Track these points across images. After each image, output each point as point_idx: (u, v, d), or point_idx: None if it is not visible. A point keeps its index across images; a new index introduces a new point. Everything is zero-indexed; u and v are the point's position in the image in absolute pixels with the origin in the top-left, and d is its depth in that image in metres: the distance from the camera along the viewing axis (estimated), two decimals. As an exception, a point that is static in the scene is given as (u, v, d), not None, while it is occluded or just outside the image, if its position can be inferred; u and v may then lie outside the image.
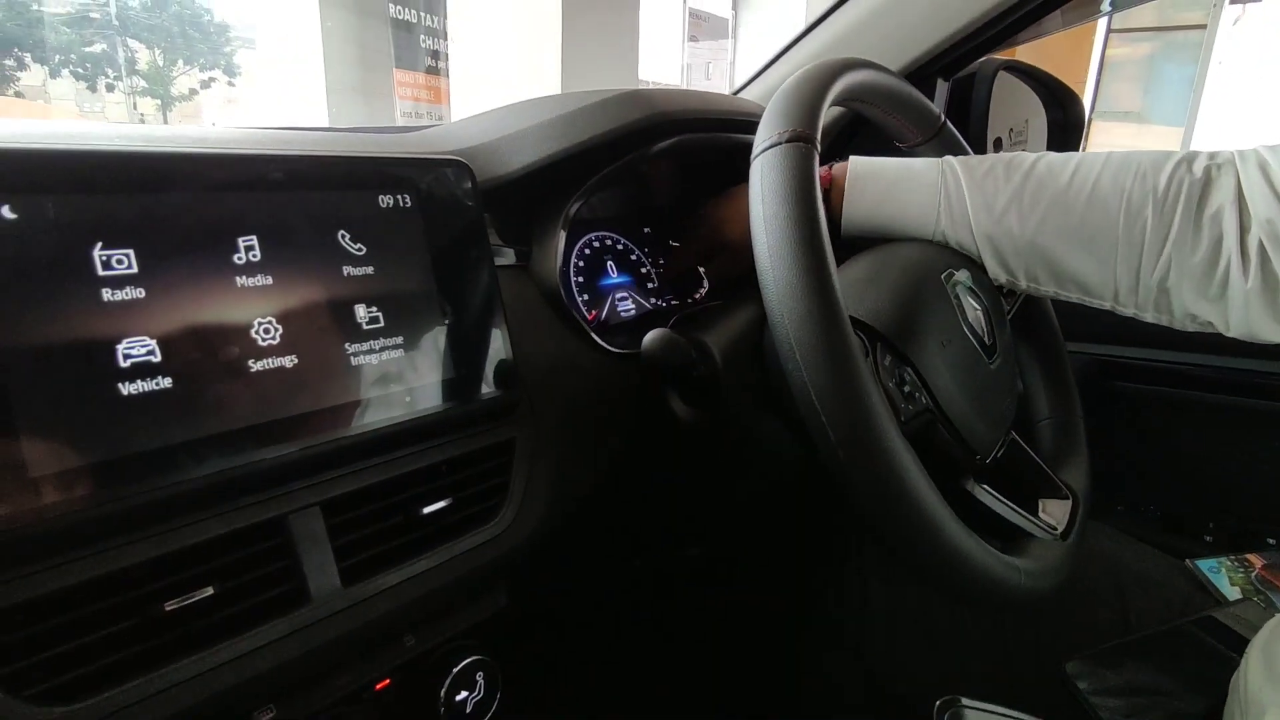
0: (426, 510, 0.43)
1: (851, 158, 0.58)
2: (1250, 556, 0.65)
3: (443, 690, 0.45)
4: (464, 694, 0.46)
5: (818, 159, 0.44)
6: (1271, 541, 0.75)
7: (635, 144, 0.59)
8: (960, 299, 0.52)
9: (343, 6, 3.35)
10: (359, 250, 0.41)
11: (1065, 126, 1.05)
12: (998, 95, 0.93)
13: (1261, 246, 0.45)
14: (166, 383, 0.33)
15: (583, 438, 0.53)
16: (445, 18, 3.61)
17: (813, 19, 0.93)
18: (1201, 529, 0.78)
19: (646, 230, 0.83)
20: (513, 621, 0.49)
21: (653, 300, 0.80)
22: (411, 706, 0.45)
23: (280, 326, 0.37)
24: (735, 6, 6.00)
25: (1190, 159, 0.49)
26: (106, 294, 0.32)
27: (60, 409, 0.31)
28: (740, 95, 0.98)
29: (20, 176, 0.31)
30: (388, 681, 0.45)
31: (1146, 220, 0.49)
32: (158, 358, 0.33)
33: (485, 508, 0.47)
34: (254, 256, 0.37)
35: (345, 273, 0.41)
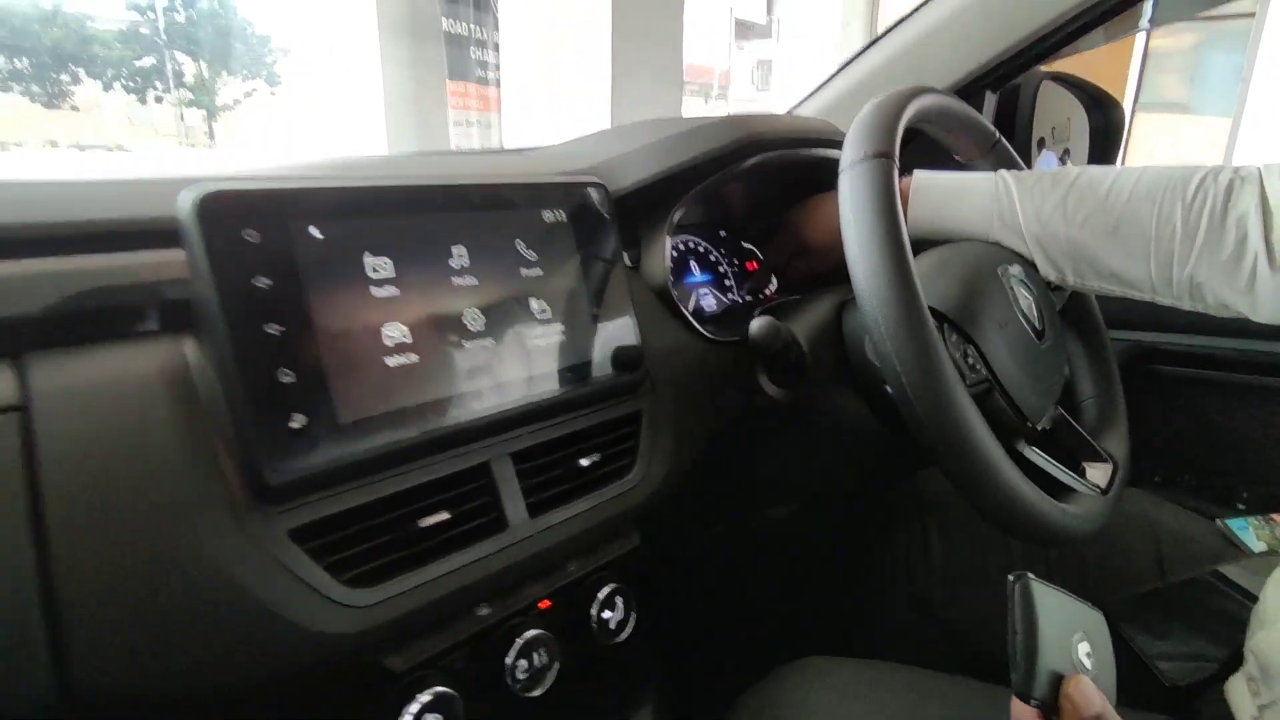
0: (583, 463, 0.54)
1: (915, 171, 0.68)
2: (1276, 516, 0.72)
3: (593, 608, 0.56)
4: (608, 613, 0.57)
5: (897, 173, 0.53)
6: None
7: (729, 161, 0.69)
8: (1014, 289, 0.61)
9: (399, 24, 3.51)
10: (531, 256, 0.52)
11: (1106, 130, 1.12)
12: (1041, 101, 1.01)
13: None
14: (415, 358, 0.45)
15: (690, 411, 0.64)
16: (495, 30, 3.75)
17: (847, 23, 1.02)
18: (1234, 497, 0.86)
19: (723, 234, 0.94)
20: (642, 558, 0.60)
21: (730, 296, 0.90)
22: (569, 621, 0.56)
23: (483, 316, 0.49)
24: (770, 11, 6.09)
25: (1216, 172, 0.58)
26: (374, 290, 0.44)
27: (354, 375, 0.42)
28: (797, 111, 1.07)
29: (323, 206, 0.42)
30: (549, 603, 0.56)
31: (1175, 224, 0.57)
32: (409, 339, 0.45)
33: (621, 465, 0.57)
34: (464, 262, 0.48)
35: (522, 274, 0.52)
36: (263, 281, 0.39)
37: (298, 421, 0.39)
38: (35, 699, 0.33)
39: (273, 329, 0.39)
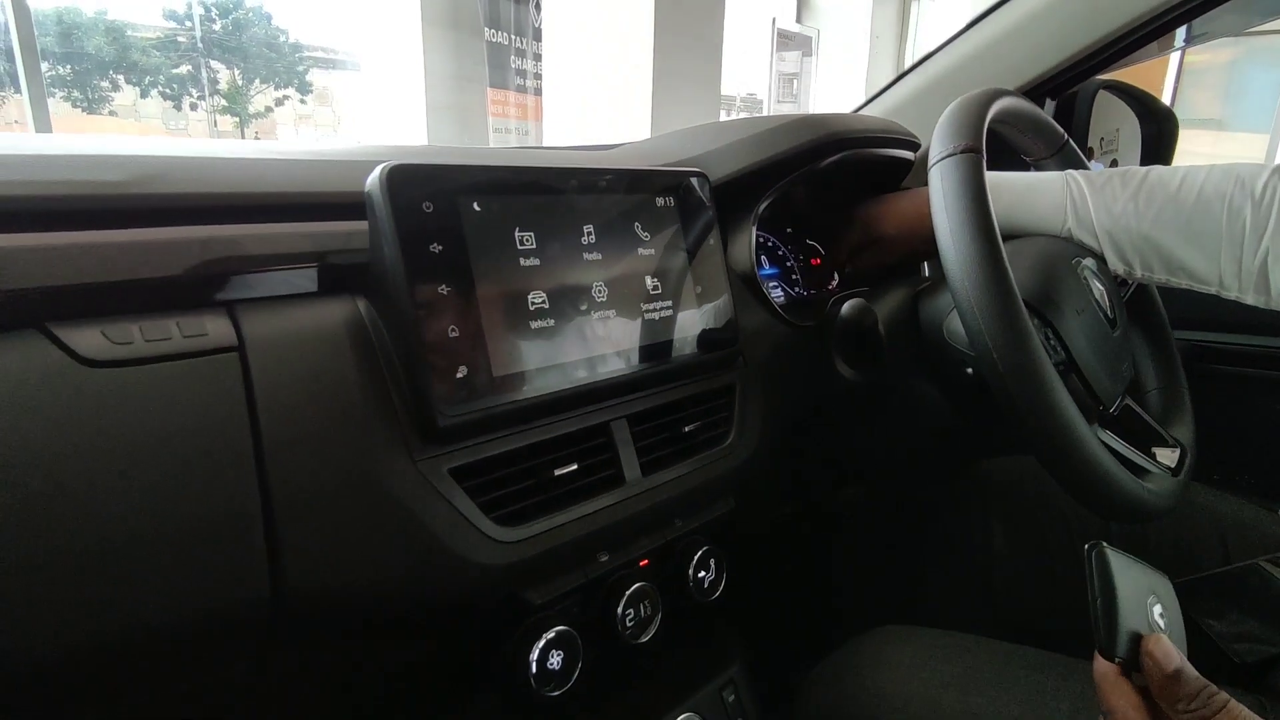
0: (687, 429, 0.58)
1: (987, 172, 0.72)
2: (1335, 506, 0.75)
3: (690, 568, 0.60)
4: (703, 573, 0.61)
5: (985, 166, 0.57)
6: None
7: (814, 157, 0.73)
8: (1088, 280, 0.65)
9: (442, 31, 3.61)
10: (646, 236, 0.57)
11: (1160, 140, 1.15)
12: (1095, 110, 1.05)
13: None
14: (551, 322, 0.50)
15: (776, 389, 0.68)
16: (535, 40, 3.85)
17: (877, 35, 1.05)
18: (1291, 494, 0.88)
19: (789, 230, 0.98)
20: (733, 527, 0.64)
21: (796, 290, 0.94)
22: (667, 578, 0.60)
23: (607, 288, 0.53)
24: (800, 18, 6.15)
25: None
26: (522, 260, 0.49)
27: (505, 334, 0.47)
28: (862, 113, 1.12)
29: (485, 183, 0.47)
30: (646, 561, 0.61)
31: (1245, 218, 0.61)
32: (547, 305, 0.49)
33: (719, 433, 0.62)
34: (591, 239, 0.53)
35: (639, 252, 0.56)
36: (436, 248, 0.44)
37: (462, 372, 0.44)
38: (254, 592, 0.38)
39: (444, 290, 0.44)
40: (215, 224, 0.43)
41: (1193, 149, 5.26)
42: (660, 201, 0.59)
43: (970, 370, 0.66)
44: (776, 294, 0.92)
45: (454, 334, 0.44)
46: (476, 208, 0.47)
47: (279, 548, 0.38)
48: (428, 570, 0.43)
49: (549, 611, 0.51)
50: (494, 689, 0.54)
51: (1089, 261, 0.66)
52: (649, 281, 0.57)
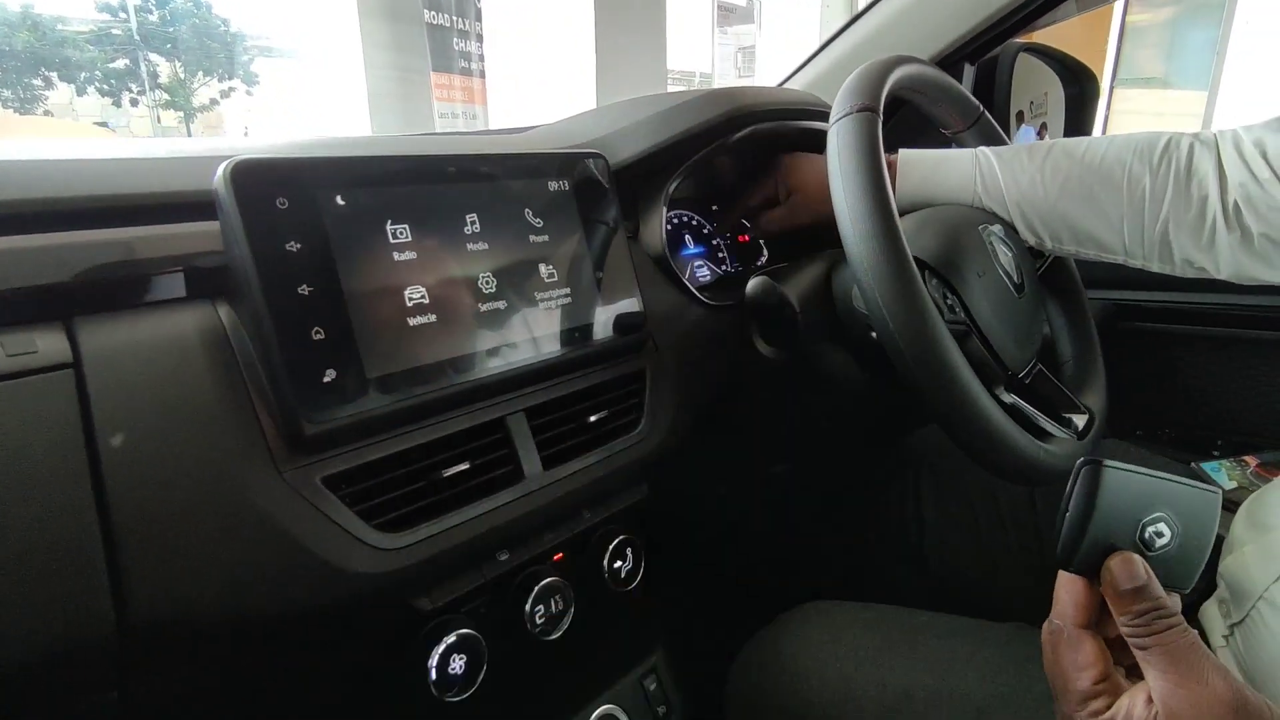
0: (592, 419, 0.57)
1: (900, 150, 0.71)
2: (1247, 458, 0.77)
3: (605, 558, 0.59)
4: (619, 563, 0.60)
5: (881, 125, 0.56)
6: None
7: (722, 133, 0.72)
8: (994, 245, 0.64)
9: (380, 15, 3.50)
10: (538, 224, 0.55)
11: (1082, 100, 1.16)
12: (1018, 73, 1.05)
13: (1237, 204, 0.58)
14: (433, 318, 0.48)
15: (691, 371, 0.67)
16: (478, 20, 3.75)
17: (827, 3, 1.04)
18: (1210, 447, 0.90)
19: (715, 209, 0.97)
20: (650, 513, 0.63)
21: (723, 268, 0.93)
22: (583, 570, 0.59)
23: (495, 279, 0.51)
24: (751, -6, 6.11)
25: (1178, 138, 0.61)
26: (396, 255, 0.47)
27: (379, 333, 0.45)
28: (787, 85, 1.10)
29: (347, 176, 0.45)
30: (560, 555, 0.59)
31: (1145, 187, 0.61)
32: (427, 300, 0.47)
33: (629, 420, 0.60)
34: (476, 229, 0.51)
35: (531, 240, 0.55)
36: (294, 245, 0.42)
37: (329, 376, 0.42)
38: (97, 625, 0.35)
39: (304, 290, 0.42)
40: (51, 231, 0.40)
41: (1137, 108, 5.35)
42: (553, 186, 0.57)
43: (875, 334, 0.66)
44: (702, 273, 0.91)
45: (318, 335, 0.42)
46: (340, 201, 0.44)
47: (122, 575, 0.36)
48: (302, 585, 0.41)
49: (449, 615, 0.50)
50: (400, 696, 0.53)
51: (997, 228, 0.66)
52: (544, 270, 0.55)
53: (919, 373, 0.51)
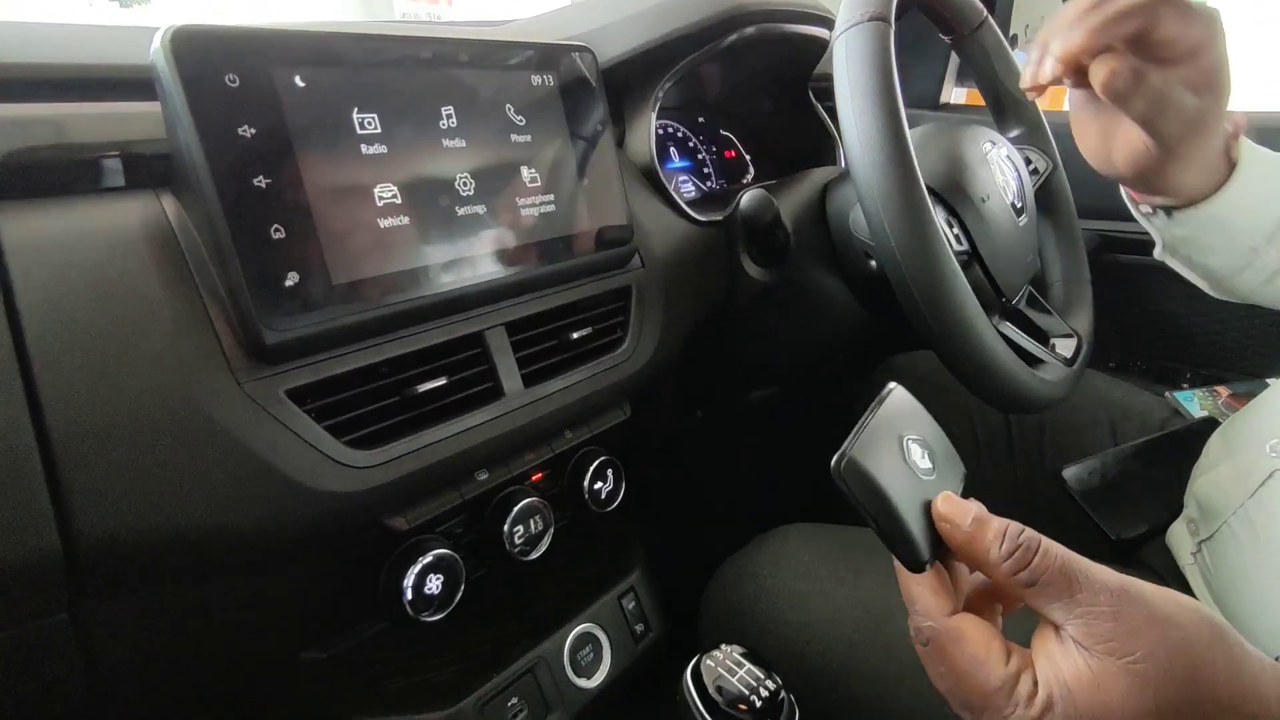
0: (575, 336, 0.54)
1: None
2: (1218, 388, 0.78)
3: (585, 479, 0.57)
4: (599, 484, 0.59)
5: (893, 35, 0.52)
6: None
7: (718, 33, 0.67)
8: (1000, 167, 0.62)
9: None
10: (520, 121, 0.50)
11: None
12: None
13: None
14: (405, 220, 0.43)
15: (678, 290, 0.64)
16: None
17: None
18: (1179, 379, 0.92)
19: (701, 120, 0.91)
20: (632, 435, 0.62)
21: (708, 184, 0.89)
22: (563, 491, 0.57)
23: (474, 181, 0.47)
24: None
25: None
26: (364, 148, 0.42)
27: (345, 235, 0.41)
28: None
29: (306, 52, 0.40)
30: (540, 475, 0.58)
31: None
32: (399, 200, 0.43)
33: (613, 339, 0.58)
34: (453, 123, 0.46)
35: (513, 139, 0.50)
36: (247, 131, 0.37)
37: (291, 279, 0.38)
38: (41, 547, 0.32)
39: (260, 182, 0.37)
40: None
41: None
42: (536, 80, 0.52)
43: (874, 263, 0.64)
44: (687, 188, 0.87)
45: (278, 234, 0.38)
46: (299, 82, 0.39)
47: (62, 487, 0.33)
48: (266, 504, 0.38)
49: (425, 535, 0.48)
50: (378, 614, 0.52)
51: (999, 149, 0.63)
52: (526, 173, 0.51)
53: (926, 307, 0.49)
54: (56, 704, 0.39)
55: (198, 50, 0.35)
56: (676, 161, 0.87)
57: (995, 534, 0.30)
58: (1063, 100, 1.75)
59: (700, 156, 0.90)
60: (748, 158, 0.94)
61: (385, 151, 0.43)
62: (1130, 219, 0.61)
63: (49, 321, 0.33)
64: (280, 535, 0.40)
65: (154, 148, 0.40)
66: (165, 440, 0.35)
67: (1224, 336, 0.91)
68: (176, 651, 0.43)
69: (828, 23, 0.80)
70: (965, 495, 0.33)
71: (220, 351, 0.37)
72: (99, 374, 0.34)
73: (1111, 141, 0.50)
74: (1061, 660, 0.28)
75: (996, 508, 0.32)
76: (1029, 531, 0.29)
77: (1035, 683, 0.28)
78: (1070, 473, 0.69)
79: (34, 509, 0.32)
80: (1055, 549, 0.29)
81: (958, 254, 0.57)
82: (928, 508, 0.32)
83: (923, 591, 0.31)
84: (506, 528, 0.52)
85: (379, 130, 0.43)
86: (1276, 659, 0.29)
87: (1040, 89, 0.47)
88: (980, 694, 0.29)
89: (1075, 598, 0.27)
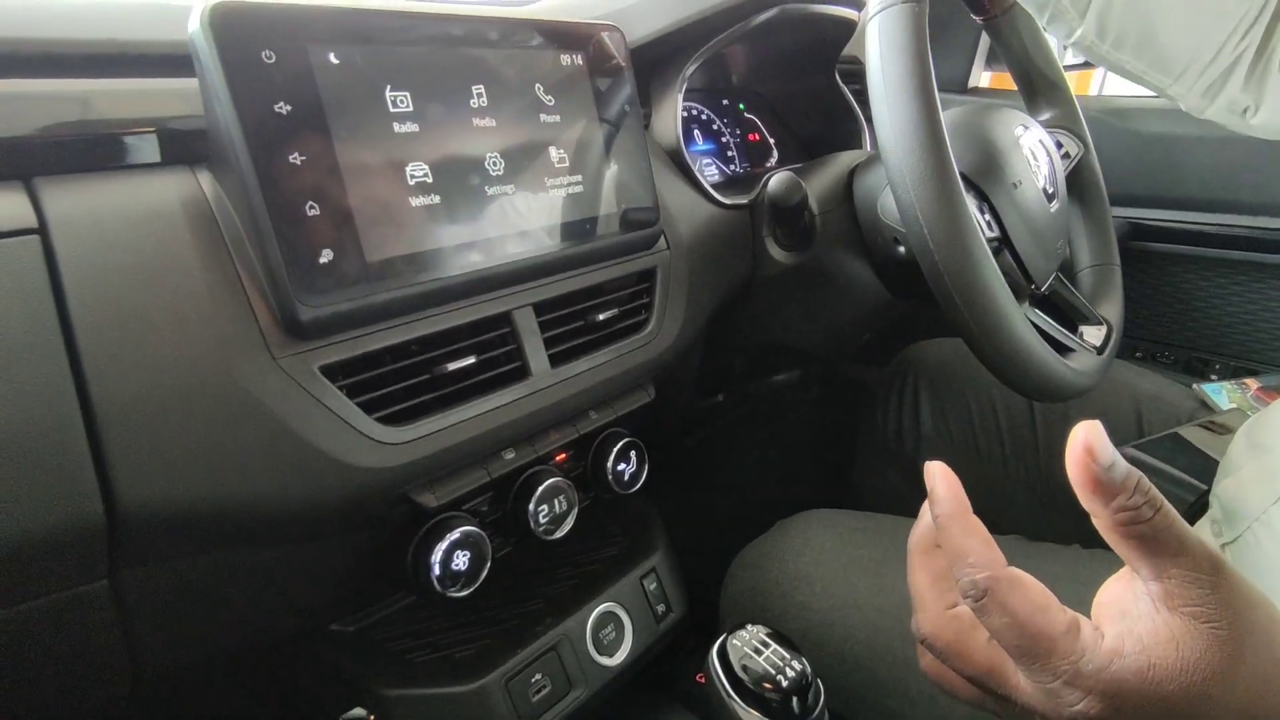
0: (601, 317, 0.54)
1: None
2: (1248, 380, 0.76)
3: (609, 460, 0.58)
4: (623, 465, 0.59)
5: (927, 17, 0.51)
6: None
7: (747, 12, 0.66)
8: (1030, 153, 0.61)
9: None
10: (550, 101, 0.50)
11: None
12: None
13: None
14: (436, 199, 0.44)
15: (702, 272, 0.64)
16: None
17: None
18: (1208, 370, 0.90)
19: (725, 103, 0.91)
20: (656, 417, 0.62)
21: (731, 167, 0.89)
22: (587, 471, 0.58)
23: (503, 160, 0.47)
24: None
25: None
26: (396, 125, 0.42)
27: (378, 212, 0.41)
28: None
29: (340, 29, 0.40)
30: (564, 456, 0.58)
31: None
32: (430, 179, 0.43)
33: (638, 321, 0.58)
34: (483, 102, 0.46)
35: (542, 119, 0.50)
36: (283, 108, 0.37)
37: (326, 256, 0.39)
38: (85, 516, 0.33)
39: (296, 159, 0.37)
40: (8, 77, 0.35)
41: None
42: (566, 60, 0.52)
43: (902, 249, 0.63)
44: (710, 171, 0.86)
45: (313, 211, 0.38)
46: (334, 59, 0.39)
47: (106, 460, 0.33)
48: (301, 477, 0.39)
49: (453, 513, 0.49)
50: (405, 588, 0.52)
51: (1032, 133, 0.62)
52: (554, 153, 0.51)
53: (957, 294, 0.49)
54: (95, 668, 0.40)
55: (236, 26, 0.36)
56: (700, 144, 0.86)
57: (1129, 474, 0.26)
58: (1089, 84, 1.71)
59: (724, 139, 0.89)
60: (772, 141, 0.93)
61: (417, 130, 0.43)
62: (1162, 206, 0.60)
63: (92, 295, 0.34)
64: (312, 508, 0.41)
65: (190, 124, 0.40)
66: (203, 413, 0.36)
67: (1255, 328, 0.90)
68: (209, 619, 0.44)
69: (856, 4, 0.79)
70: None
71: (256, 327, 0.38)
72: (140, 347, 0.34)
73: None
74: (1136, 613, 0.27)
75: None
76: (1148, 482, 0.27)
77: (1096, 631, 0.28)
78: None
79: (79, 478, 0.33)
80: (1170, 507, 0.27)
81: (989, 240, 0.56)
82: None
83: (976, 544, 0.29)
84: (531, 507, 0.52)
85: (411, 108, 0.43)
86: None
87: None
88: (1047, 638, 0.27)
89: (1177, 559, 0.27)
